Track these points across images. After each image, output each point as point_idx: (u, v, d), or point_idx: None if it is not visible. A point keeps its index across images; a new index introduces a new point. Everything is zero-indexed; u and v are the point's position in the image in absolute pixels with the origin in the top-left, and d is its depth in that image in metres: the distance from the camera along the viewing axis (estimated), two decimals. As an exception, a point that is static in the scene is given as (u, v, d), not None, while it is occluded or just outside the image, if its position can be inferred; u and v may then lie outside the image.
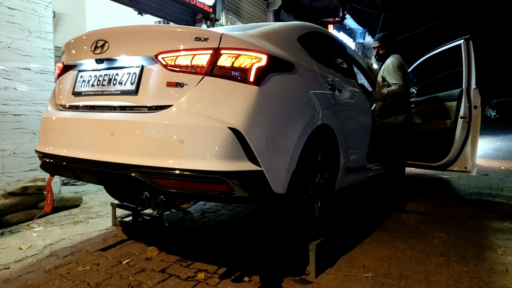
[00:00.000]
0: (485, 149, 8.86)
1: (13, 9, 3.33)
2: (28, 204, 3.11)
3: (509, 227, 2.99)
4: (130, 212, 2.99)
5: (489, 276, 2.10)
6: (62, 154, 2.05)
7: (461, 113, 3.35)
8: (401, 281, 2.03)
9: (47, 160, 2.16)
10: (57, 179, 3.67)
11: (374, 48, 3.61)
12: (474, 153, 3.35)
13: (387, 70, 3.33)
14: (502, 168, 6.16)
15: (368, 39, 16.58)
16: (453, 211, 3.47)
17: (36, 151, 2.29)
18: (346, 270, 2.17)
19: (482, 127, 3.48)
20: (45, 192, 3.19)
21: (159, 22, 6.08)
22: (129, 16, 5.66)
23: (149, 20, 5.90)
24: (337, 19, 12.41)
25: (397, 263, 2.28)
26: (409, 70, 3.83)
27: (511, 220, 3.14)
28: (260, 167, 1.74)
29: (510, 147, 9.36)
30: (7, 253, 2.42)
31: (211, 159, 1.67)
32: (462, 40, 3.41)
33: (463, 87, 3.36)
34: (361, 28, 15.93)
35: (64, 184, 4.31)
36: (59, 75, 2.33)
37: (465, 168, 3.38)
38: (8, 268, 2.20)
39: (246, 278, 2.05)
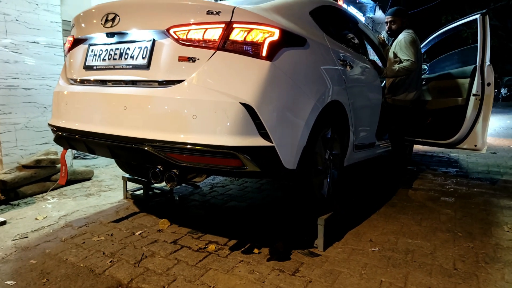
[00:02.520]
0: (495, 127, 8.78)
1: (20, -20, 3.29)
2: (42, 177, 3.18)
3: (516, 205, 3.01)
4: (141, 185, 3.06)
5: (495, 252, 2.14)
6: (76, 128, 2.08)
7: (474, 90, 3.30)
8: (408, 255, 2.08)
9: (61, 133, 2.19)
10: (68, 152, 3.73)
11: (387, 22, 3.52)
12: (485, 131, 3.32)
13: (399, 46, 3.27)
14: (511, 146, 6.12)
15: (379, 13, 16.10)
16: (460, 189, 3.49)
17: (49, 124, 2.32)
18: (354, 244, 2.22)
19: (492, 105, 3.44)
20: (58, 165, 3.26)
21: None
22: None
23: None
24: (347, -8, 12.05)
25: (404, 238, 2.32)
26: (421, 46, 3.75)
27: (519, 198, 3.16)
28: (272, 142, 1.76)
29: (520, 125, 9.25)
30: (24, 223, 2.51)
31: (223, 134, 1.69)
32: (479, 15, 3.32)
33: (477, 63, 3.30)
34: (371, 2, 15.46)
35: (75, 157, 4.38)
36: (70, 49, 2.32)
37: (475, 146, 3.37)
38: (26, 237, 2.28)
39: (256, 250, 2.11)
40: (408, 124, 3.52)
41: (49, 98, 3.51)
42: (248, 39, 1.77)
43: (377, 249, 2.16)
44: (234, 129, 1.69)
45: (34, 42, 3.45)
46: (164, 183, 1.91)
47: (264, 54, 1.77)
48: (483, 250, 2.16)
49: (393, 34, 3.47)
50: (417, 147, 5.52)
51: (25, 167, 3.14)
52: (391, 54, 3.40)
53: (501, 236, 2.37)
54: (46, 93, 3.54)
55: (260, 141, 1.74)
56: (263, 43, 1.78)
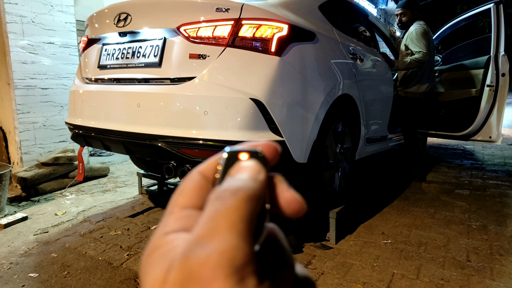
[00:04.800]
0: (511, 118, 8.58)
1: (35, -17, 3.37)
2: (60, 174, 3.28)
3: (532, 196, 2.96)
4: (155, 181, 3.12)
5: (510, 244, 2.12)
6: (92, 126, 2.14)
7: (488, 81, 3.25)
8: (420, 248, 2.08)
9: (77, 131, 2.26)
10: (85, 150, 3.82)
11: (397, 15, 3.48)
12: (500, 123, 3.27)
13: (411, 37, 3.23)
14: (529, 138, 5.99)
15: (391, 4, 15.85)
16: (475, 181, 3.45)
17: (66, 123, 2.39)
18: (366, 237, 2.23)
19: (508, 95, 3.38)
20: (75, 163, 3.35)
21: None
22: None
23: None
24: (358, -16, 11.89)
25: (417, 230, 2.32)
26: (433, 37, 3.70)
27: (535, 190, 3.10)
28: (282, 137, 1.78)
29: (539, 116, 9.01)
30: (44, 219, 2.60)
31: (234, 130, 1.72)
32: (492, 4, 3.25)
33: (491, 53, 3.24)
34: (384, -7, 15.23)
35: (91, 155, 4.49)
36: (84, 48, 2.38)
37: (490, 137, 3.32)
38: (47, 232, 2.36)
39: (268, 243, 2.14)
40: (421, 117, 3.48)
41: (65, 97, 3.60)
42: (257, 35, 1.79)
43: (389, 241, 2.17)
44: (244, 124, 1.72)
45: (50, 43, 3.54)
46: (178, 179, 1.96)
47: (273, 49, 1.79)
48: (498, 242, 2.14)
49: (404, 27, 3.44)
50: (431, 140, 5.45)
51: (44, 164, 3.23)
52: (402, 47, 3.37)
53: (516, 228, 2.35)
54: (62, 93, 3.63)
55: (270, 136, 1.76)
56: (272, 38, 1.80)
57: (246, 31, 1.79)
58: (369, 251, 2.05)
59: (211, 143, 1.74)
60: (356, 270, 1.85)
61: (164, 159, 1.92)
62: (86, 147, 2.91)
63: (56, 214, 2.68)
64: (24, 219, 2.56)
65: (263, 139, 1.75)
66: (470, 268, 1.86)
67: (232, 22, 1.79)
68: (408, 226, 2.40)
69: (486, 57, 3.30)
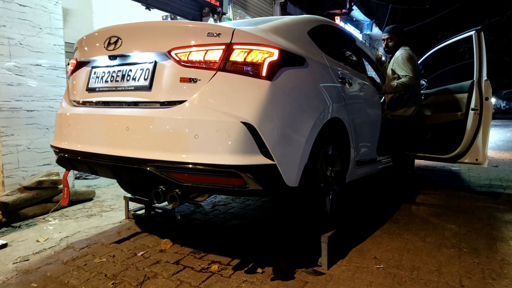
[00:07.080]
0: (495, 140, 8.79)
1: (24, 5, 3.36)
2: (43, 198, 3.18)
3: (520, 219, 2.99)
4: (142, 205, 3.04)
5: (501, 268, 2.11)
6: (78, 149, 2.09)
7: (472, 105, 3.33)
8: (413, 273, 2.05)
9: (63, 155, 2.20)
10: (70, 173, 3.72)
11: (384, 40, 3.59)
12: (486, 145, 3.33)
13: (397, 62, 3.31)
14: (512, 159, 6.11)
15: (375, 30, 16.40)
16: (463, 203, 3.47)
17: (51, 146, 2.34)
18: (358, 262, 2.19)
19: (492, 118, 3.46)
20: (60, 186, 3.26)
21: (166, 17, 6.09)
22: (136, 11, 5.68)
23: (157, 14, 5.91)
24: (344, 10, 12.31)
25: (409, 254, 2.30)
26: (418, 62, 3.80)
27: (522, 212, 3.13)
28: (273, 161, 1.77)
29: (521, 138, 9.25)
30: (25, 246, 2.49)
31: (225, 153, 1.70)
32: (474, 31, 3.38)
33: (474, 78, 3.34)
34: (368, 20, 15.77)
35: (76, 178, 4.38)
36: (73, 71, 2.35)
37: (476, 160, 3.37)
38: (27, 260, 2.26)
39: (259, 270, 2.08)
40: (409, 139, 3.53)
41: (52, 120, 3.54)
42: (248, 59, 1.80)
43: (381, 266, 2.13)
44: (235, 148, 1.70)
45: (37, 65, 3.51)
46: (166, 203, 1.91)
47: (264, 74, 1.80)
48: (489, 266, 2.13)
49: (390, 51, 3.53)
50: (418, 162, 5.51)
51: (26, 188, 3.13)
52: (389, 71, 3.45)
53: (507, 251, 2.35)
54: (48, 115, 3.57)
55: (261, 160, 1.74)
56: (263, 63, 1.81)
57: (237, 56, 1.80)
58: (362, 276, 2.02)
59: (201, 167, 1.71)
60: (349, 297, 1.80)
61: (153, 184, 1.88)
62: (71, 170, 2.84)
63: (37, 241, 2.57)
64: (3, 246, 2.45)
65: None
66: (463, 293, 1.84)
67: (223, 47, 1.80)
68: (399, 250, 2.37)
69: (470, 81, 3.40)
